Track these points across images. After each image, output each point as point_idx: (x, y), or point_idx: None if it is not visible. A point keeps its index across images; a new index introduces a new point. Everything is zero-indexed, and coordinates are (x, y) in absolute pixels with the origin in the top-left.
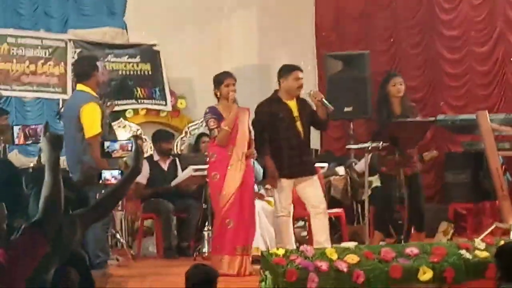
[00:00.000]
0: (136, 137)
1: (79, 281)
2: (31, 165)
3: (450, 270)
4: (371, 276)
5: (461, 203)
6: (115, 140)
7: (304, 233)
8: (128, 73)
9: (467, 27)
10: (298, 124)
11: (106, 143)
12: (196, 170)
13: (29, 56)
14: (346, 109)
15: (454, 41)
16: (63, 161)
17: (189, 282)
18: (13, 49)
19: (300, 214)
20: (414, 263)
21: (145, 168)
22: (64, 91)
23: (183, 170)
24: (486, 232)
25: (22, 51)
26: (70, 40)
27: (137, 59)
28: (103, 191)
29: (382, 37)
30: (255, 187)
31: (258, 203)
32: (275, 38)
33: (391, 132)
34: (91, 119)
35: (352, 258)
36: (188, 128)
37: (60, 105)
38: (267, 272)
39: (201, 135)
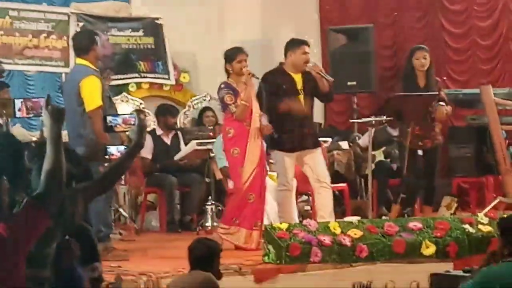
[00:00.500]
0: (139, 111)
1: (84, 253)
2: (34, 139)
3: (453, 245)
4: (374, 250)
5: (464, 177)
6: (118, 114)
7: (308, 208)
8: (131, 46)
9: (471, 1)
10: (301, 97)
11: (109, 118)
12: (199, 144)
13: (32, 29)
14: (349, 83)
15: (457, 15)
16: (65, 135)
17: (192, 256)
18: (15, 23)
19: (304, 188)
20: (417, 238)
21: (149, 142)
22: (67, 65)
23: (186, 144)
24: (490, 207)
25: (24, 24)
26: (72, 13)
27: (140, 32)
28: (106, 164)
29: (385, 11)
30: None
31: None
32: (278, 12)
33: (395, 106)
34: (91, 92)
35: (355, 233)
36: (191, 102)
37: (63, 79)
38: (270, 246)
39: (204, 109)
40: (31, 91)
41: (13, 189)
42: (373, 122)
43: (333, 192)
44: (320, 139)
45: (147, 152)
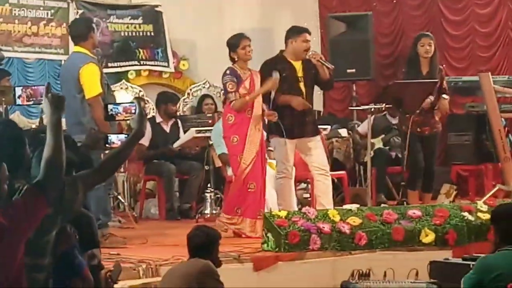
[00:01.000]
0: (140, 99)
1: (84, 240)
2: (33, 126)
3: (452, 232)
4: (373, 238)
5: (463, 165)
6: (118, 103)
7: (307, 195)
8: (130, 34)
9: None
10: (301, 84)
11: (110, 106)
12: (198, 131)
13: (31, 17)
14: (348, 70)
15: (457, 2)
16: (65, 122)
17: (191, 243)
18: (15, 10)
19: (303, 176)
20: (416, 225)
21: (147, 129)
22: (66, 52)
23: (185, 132)
24: (489, 195)
25: (24, 12)
26: (72, 0)
27: (140, 20)
28: (106, 152)
29: None
30: None
31: None
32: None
33: (394, 93)
34: (91, 79)
35: (355, 220)
36: (191, 90)
37: None
38: (269, 234)
39: (203, 97)
40: (31, 79)
41: (12, 176)
42: (372, 109)
43: (332, 179)
44: (319, 126)
45: (144, 139)
